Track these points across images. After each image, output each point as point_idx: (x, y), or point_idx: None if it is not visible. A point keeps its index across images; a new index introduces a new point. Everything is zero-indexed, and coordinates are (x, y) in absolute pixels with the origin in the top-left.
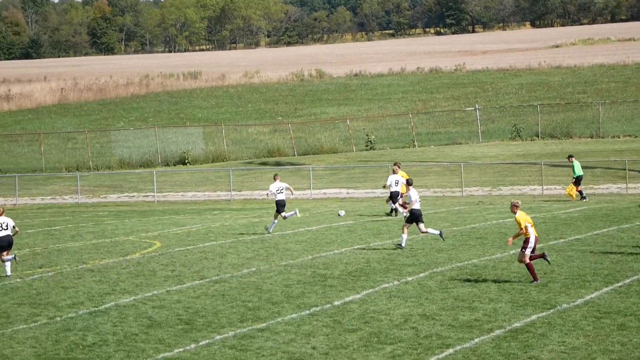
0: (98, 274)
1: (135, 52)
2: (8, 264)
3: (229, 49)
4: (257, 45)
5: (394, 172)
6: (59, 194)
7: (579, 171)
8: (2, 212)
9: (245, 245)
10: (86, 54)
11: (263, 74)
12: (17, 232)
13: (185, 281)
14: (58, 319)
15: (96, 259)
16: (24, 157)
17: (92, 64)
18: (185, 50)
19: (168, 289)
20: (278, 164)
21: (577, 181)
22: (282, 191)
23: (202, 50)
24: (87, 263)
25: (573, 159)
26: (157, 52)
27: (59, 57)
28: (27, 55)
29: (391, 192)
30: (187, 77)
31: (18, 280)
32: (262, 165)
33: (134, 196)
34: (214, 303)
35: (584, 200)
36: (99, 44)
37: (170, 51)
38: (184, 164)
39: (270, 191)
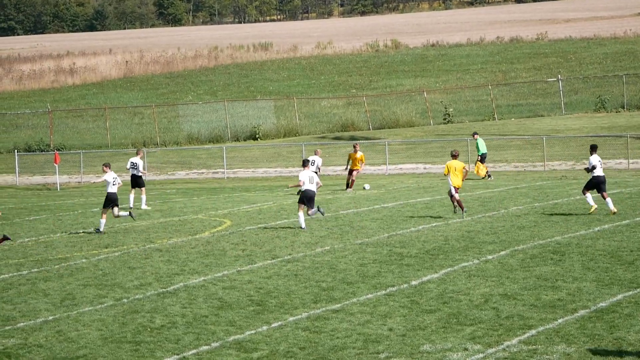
0: (166, 253)
1: (204, 23)
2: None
3: (301, 19)
4: (330, 14)
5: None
6: (125, 171)
7: (483, 149)
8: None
9: (319, 223)
10: (152, 26)
11: (336, 45)
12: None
13: (257, 261)
14: (125, 300)
15: (164, 238)
16: (89, 133)
17: (159, 36)
18: (255, 21)
19: (239, 269)
20: (352, 138)
21: (482, 159)
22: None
23: (273, 20)
24: (154, 242)
25: (477, 136)
26: (226, 22)
27: (124, 28)
28: (91, 27)
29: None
30: (258, 48)
31: (83, 260)
32: (335, 139)
33: (202, 173)
34: (286, 283)
35: (489, 179)
36: (166, 15)
37: (239, 22)
38: (255, 139)
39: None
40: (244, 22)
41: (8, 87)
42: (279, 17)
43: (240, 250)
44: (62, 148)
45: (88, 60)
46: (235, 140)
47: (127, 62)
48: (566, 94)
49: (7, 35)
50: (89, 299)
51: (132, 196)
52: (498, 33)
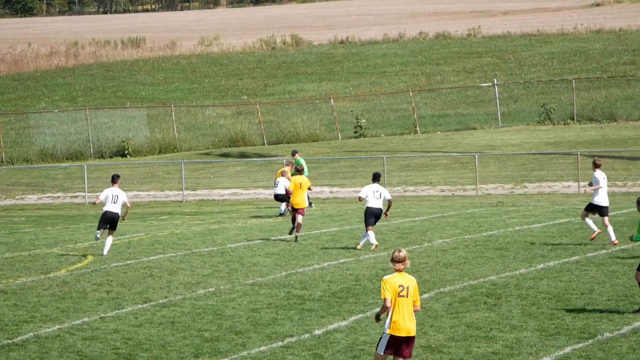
0: (12, 296)
1: (61, 13)
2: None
3: (181, 9)
4: (216, 4)
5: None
6: None
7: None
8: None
9: (202, 259)
10: None
11: (224, 41)
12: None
13: (125, 305)
14: None
15: (10, 278)
16: None
17: (5, 29)
18: (124, 11)
19: (102, 315)
20: (243, 155)
21: None
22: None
23: (147, 10)
24: None
25: (298, 155)
26: (89, 13)
27: None
28: None
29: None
30: (127, 45)
31: None
32: (222, 157)
33: (59, 197)
34: (161, 333)
35: (311, 207)
36: (14, 3)
37: (105, 12)
38: (123, 155)
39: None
40: (111, 13)
41: None
42: (153, 6)
43: (105, 292)
44: None
45: None
46: (99, 157)
47: None
48: (504, 102)
49: None
50: None
51: None
52: (421, 28)
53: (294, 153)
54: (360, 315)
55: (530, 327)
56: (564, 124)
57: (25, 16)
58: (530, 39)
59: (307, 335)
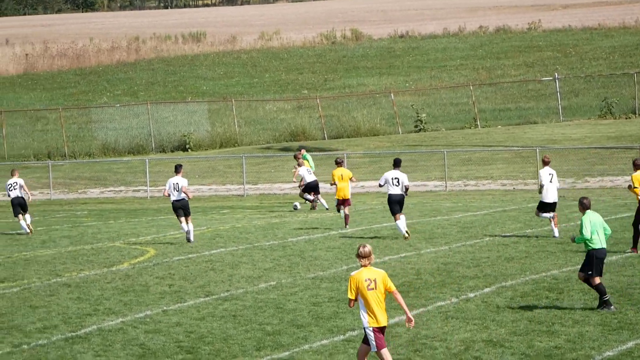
0: (76, 289)
1: (122, 8)
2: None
3: (241, 4)
4: None
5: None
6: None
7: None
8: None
9: (263, 253)
10: (59, 11)
11: (284, 36)
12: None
13: (187, 298)
14: (25, 346)
15: (73, 271)
16: None
17: (67, 24)
18: (185, 6)
19: (165, 308)
20: (303, 148)
21: None
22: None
23: (207, 5)
24: (61, 276)
25: (304, 151)
26: (150, 7)
27: (24, 14)
28: None
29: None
30: (188, 39)
31: None
32: (283, 151)
33: (120, 191)
34: (222, 326)
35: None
36: None
37: (165, 7)
38: (185, 150)
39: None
40: (171, 7)
41: None
42: (213, 1)
43: (167, 285)
44: None
45: None
46: (160, 152)
47: (27, 55)
48: (565, 96)
49: None
50: None
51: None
52: (481, 22)
53: (300, 149)
54: (421, 309)
55: (592, 321)
56: (626, 118)
57: (86, 11)
58: (591, 32)
59: None
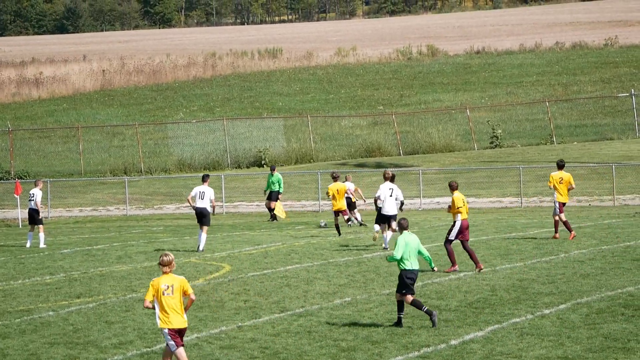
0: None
1: (199, 24)
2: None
3: (317, 20)
4: (352, 15)
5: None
6: (101, 204)
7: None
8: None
9: (338, 269)
10: (136, 27)
11: (360, 52)
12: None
13: (262, 314)
14: None
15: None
16: (57, 158)
17: (144, 40)
18: (261, 22)
19: (240, 324)
20: (379, 165)
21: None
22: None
23: (283, 21)
24: (137, 291)
25: (275, 171)
26: (226, 24)
27: (101, 30)
28: (61, 29)
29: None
30: (264, 55)
31: (50, 313)
32: (358, 167)
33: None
34: (297, 342)
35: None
36: (153, 15)
37: (242, 23)
38: (260, 165)
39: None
40: (248, 24)
41: None
42: (290, 17)
43: (242, 301)
44: (25, 176)
45: (57, 69)
46: (236, 167)
47: (104, 71)
48: None
49: None
50: None
51: (31, 234)
52: (557, 38)
53: (272, 168)
54: (496, 326)
55: None
56: None
57: (163, 27)
58: None
59: (443, 346)
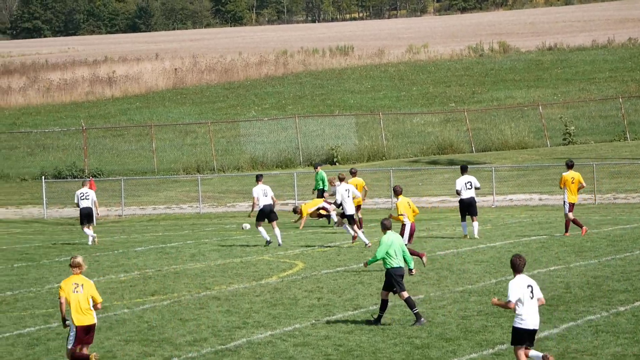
0: (225, 302)
1: (270, 22)
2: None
3: (388, 17)
4: (423, 12)
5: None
6: (174, 202)
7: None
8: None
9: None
10: (208, 25)
11: (431, 49)
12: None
13: (335, 312)
14: (175, 359)
15: (223, 284)
16: (131, 156)
17: (216, 38)
18: (332, 20)
19: (313, 321)
20: (451, 162)
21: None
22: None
23: (354, 19)
24: (211, 289)
25: (320, 168)
26: (297, 22)
27: (173, 29)
28: (133, 28)
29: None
30: (335, 53)
31: (125, 310)
32: (431, 164)
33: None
34: (371, 339)
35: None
36: (224, 13)
37: (313, 21)
38: (332, 163)
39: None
40: (319, 22)
41: (34, 100)
42: (360, 15)
43: (315, 298)
44: (99, 174)
45: (130, 68)
46: (308, 165)
47: (176, 69)
48: None
49: (33, 37)
50: (132, 357)
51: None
52: (631, 33)
53: (316, 166)
54: (571, 323)
55: None
56: None
57: (235, 26)
58: None
59: None
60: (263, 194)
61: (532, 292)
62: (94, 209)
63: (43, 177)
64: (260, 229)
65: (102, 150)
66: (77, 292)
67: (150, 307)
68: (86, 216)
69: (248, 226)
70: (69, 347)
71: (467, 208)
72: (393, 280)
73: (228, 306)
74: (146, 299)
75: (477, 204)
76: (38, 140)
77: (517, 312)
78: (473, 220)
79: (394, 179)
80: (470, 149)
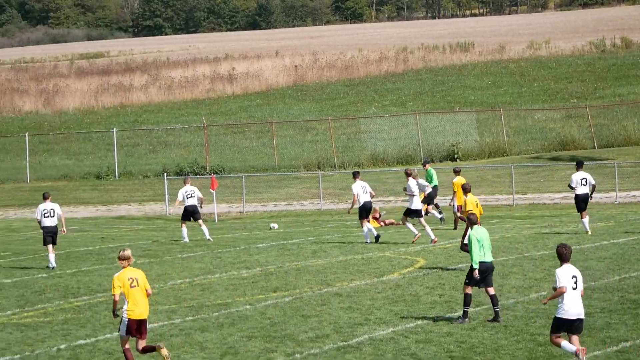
0: (347, 299)
1: (390, 19)
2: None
3: (509, 13)
4: (544, 7)
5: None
6: (295, 198)
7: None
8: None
9: (533, 263)
10: (327, 23)
11: (553, 45)
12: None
13: (457, 308)
14: (298, 355)
15: (344, 281)
16: (252, 153)
17: (336, 35)
18: (452, 16)
19: (435, 318)
20: (573, 158)
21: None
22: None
23: (474, 15)
24: (332, 285)
25: (429, 165)
26: (417, 18)
27: (293, 26)
28: (254, 25)
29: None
30: (456, 49)
31: (247, 307)
32: (552, 160)
33: (390, 201)
34: (494, 336)
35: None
36: (344, 10)
37: (433, 17)
38: (453, 159)
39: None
40: (439, 18)
41: (155, 98)
42: (481, 11)
43: (437, 295)
44: (221, 171)
45: (250, 65)
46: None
47: (297, 66)
48: None
49: (154, 35)
50: (254, 353)
51: (185, 229)
52: None
53: (424, 163)
54: None
55: None
56: None
57: (355, 22)
58: None
59: None
60: (363, 191)
61: (575, 282)
62: (197, 206)
63: (165, 174)
64: (366, 226)
65: (223, 147)
66: (134, 286)
67: (272, 304)
68: (192, 213)
69: (276, 226)
70: (122, 334)
71: (581, 204)
72: (472, 275)
73: (350, 302)
74: (268, 295)
75: (600, 200)
76: (160, 137)
77: (560, 301)
78: (583, 217)
79: (515, 175)
80: (592, 145)
